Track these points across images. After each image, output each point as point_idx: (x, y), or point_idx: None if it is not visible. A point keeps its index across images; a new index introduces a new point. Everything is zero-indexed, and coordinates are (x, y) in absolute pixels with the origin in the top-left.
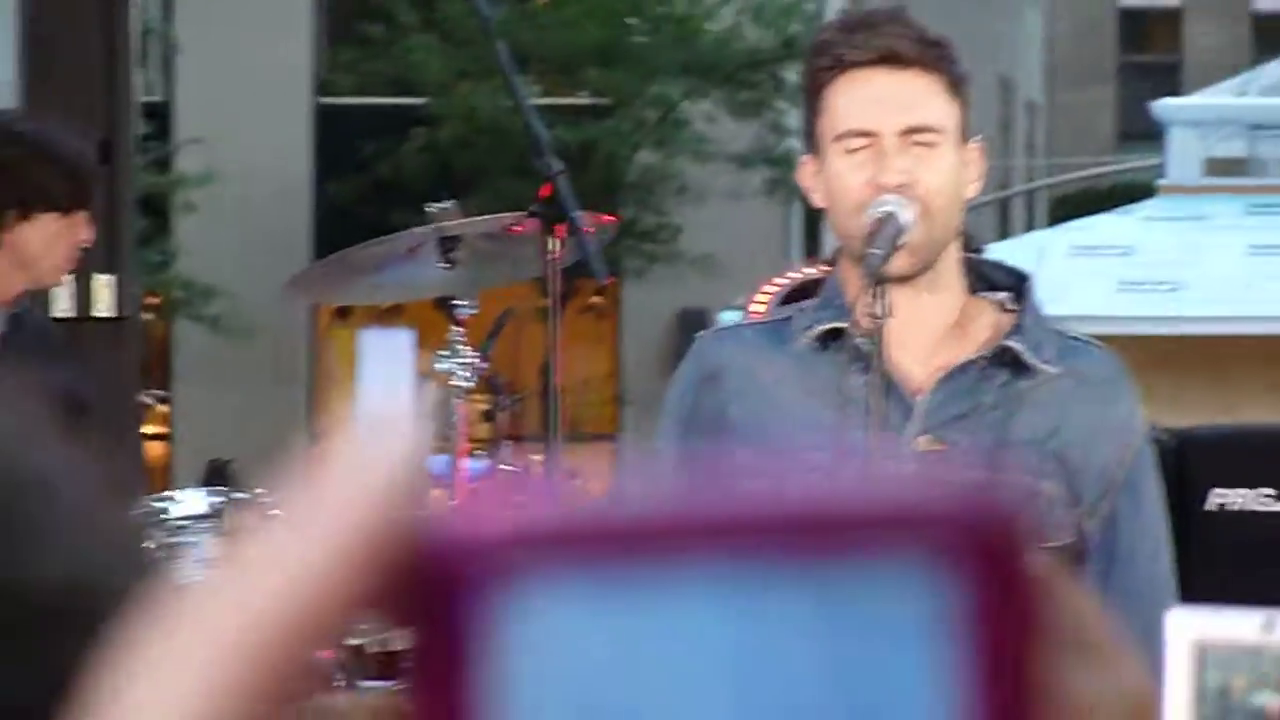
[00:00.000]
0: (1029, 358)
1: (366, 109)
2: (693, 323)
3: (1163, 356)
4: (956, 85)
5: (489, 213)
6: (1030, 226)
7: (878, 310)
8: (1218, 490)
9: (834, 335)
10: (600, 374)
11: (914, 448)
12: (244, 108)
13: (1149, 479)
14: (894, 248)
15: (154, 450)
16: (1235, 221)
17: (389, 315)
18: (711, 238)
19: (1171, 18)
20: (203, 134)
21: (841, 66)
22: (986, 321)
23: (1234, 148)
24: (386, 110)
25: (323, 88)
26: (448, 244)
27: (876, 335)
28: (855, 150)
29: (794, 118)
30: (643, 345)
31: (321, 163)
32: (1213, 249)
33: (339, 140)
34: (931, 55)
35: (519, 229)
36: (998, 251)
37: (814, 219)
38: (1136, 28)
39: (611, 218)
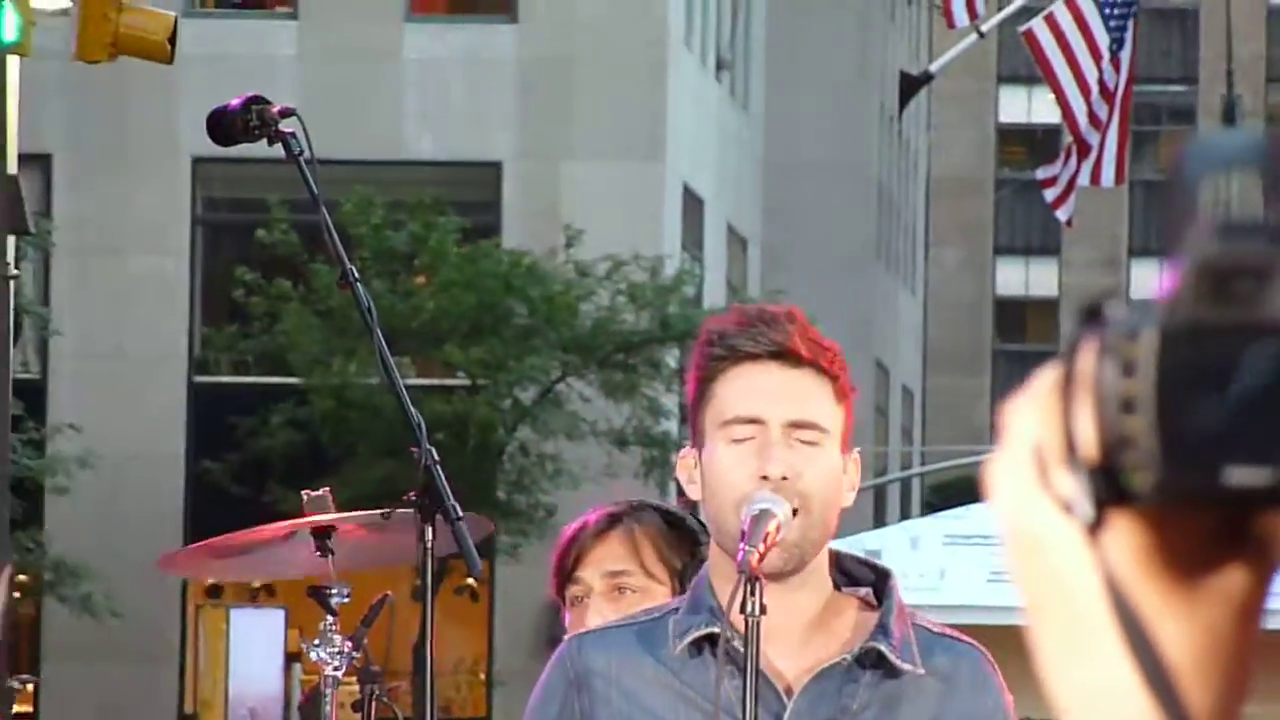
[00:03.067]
0: (894, 659)
1: (241, 387)
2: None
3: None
4: (844, 392)
5: (359, 492)
6: (905, 514)
7: (751, 608)
8: None
9: (706, 639)
10: (473, 656)
11: None
12: (120, 388)
13: None
14: (769, 545)
15: None
16: None
17: (261, 596)
18: None
19: (1047, 307)
20: (77, 414)
21: (735, 358)
22: (850, 618)
23: None
24: (260, 389)
25: (199, 367)
26: (322, 532)
27: (751, 634)
28: (740, 441)
29: (669, 400)
30: (515, 626)
31: (195, 441)
32: None
33: (213, 418)
34: (825, 358)
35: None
36: (872, 540)
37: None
38: (1012, 316)
39: (489, 522)
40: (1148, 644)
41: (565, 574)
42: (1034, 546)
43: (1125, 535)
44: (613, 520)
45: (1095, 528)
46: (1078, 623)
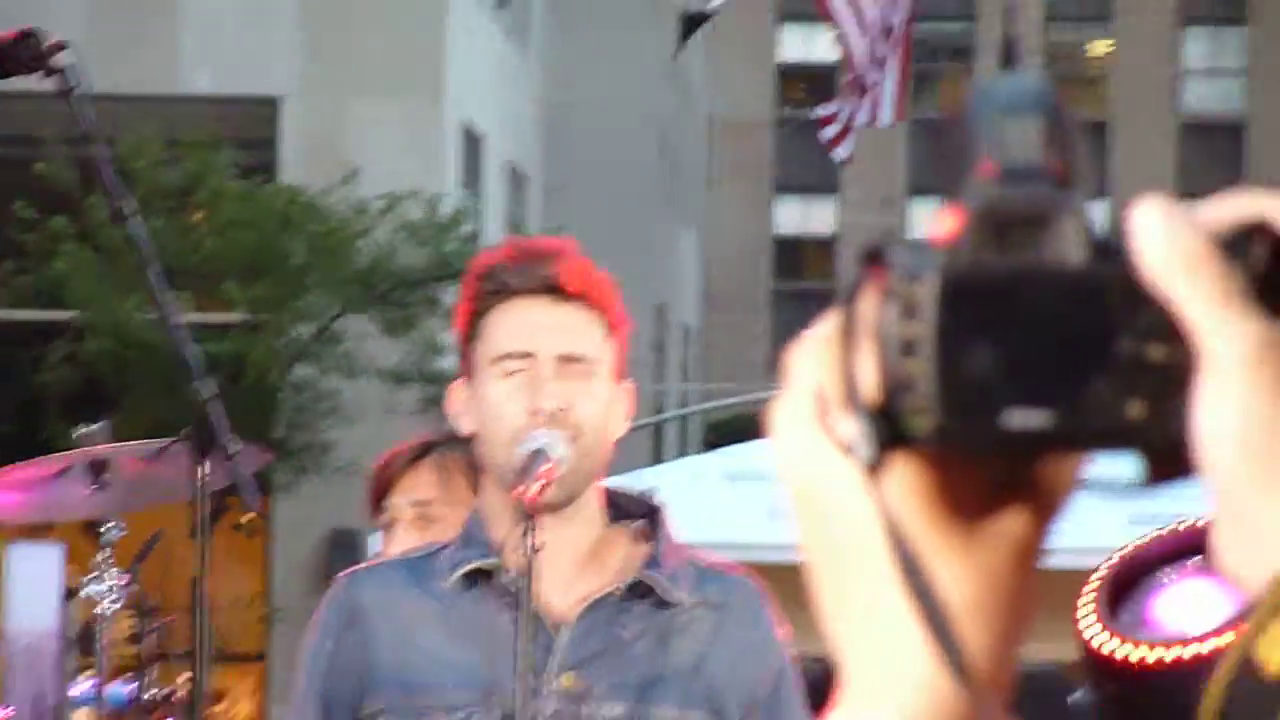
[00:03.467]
0: (665, 590)
1: (16, 323)
2: (344, 542)
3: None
4: (615, 325)
5: (137, 429)
6: (684, 452)
7: (528, 544)
8: None
9: (478, 573)
10: (250, 592)
11: (557, 686)
12: None
13: (792, 701)
14: (546, 483)
15: None
16: None
17: (37, 531)
18: (365, 455)
19: (825, 246)
20: None
21: (505, 293)
22: (622, 552)
23: None
24: (37, 325)
25: None
26: (97, 467)
27: (527, 572)
28: (512, 374)
29: (447, 337)
30: (293, 562)
31: None
32: None
33: None
34: (595, 292)
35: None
36: (651, 477)
37: None
38: (791, 255)
39: (267, 451)
40: (925, 585)
41: (377, 500)
42: (812, 488)
43: (905, 477)
44: (425, 449)
45: (875, 469)
46: (856, 565)
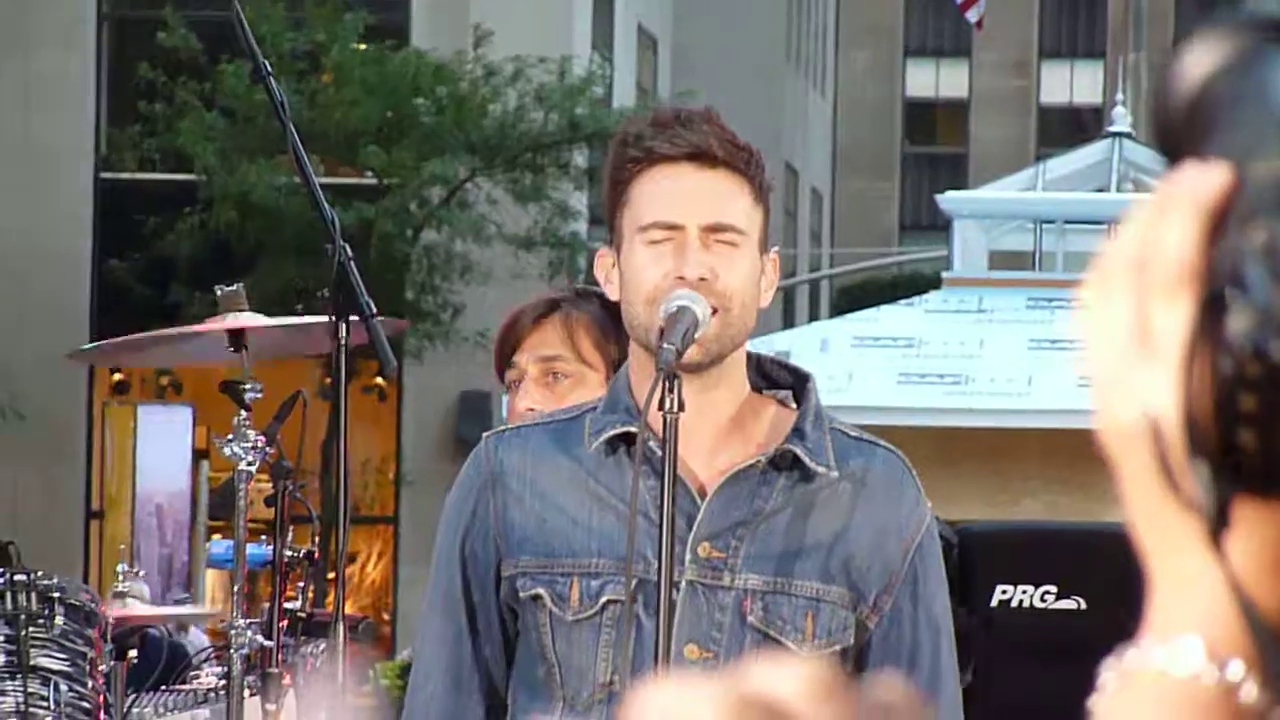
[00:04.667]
0: (809, 462)
1: (148, 185)
2: (474, 405)
3: (943, 449)
4: (761, 192)
5: (267, 291)
6: (814, 316)
7: (669, 405)
8: (1002, 587)
9: (622, 438)
10: (380, 455)
11: (696, 555)
12: (24, 183)
13: (932, 575)
14: (688, 342)
15: None
16: (1017, 315)
17: (169, 392)
18: (493, 319)
19: (958, 110)
20: None
21: (650, 160)
22: (767, 421)
23: (1019, 241)
24: (168, 187)
25: (105, 164)
26: (236, 336)
27: (669, 433)
28: (658, 242)
29: (578, 201)
30: (423, 427)
31: (102, 239)
32: (994, 343)
33: (120, 216)
34: (741, 158)
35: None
36: (782, 341)
37: None
38: (922, 119)
39: (402, 321)
40: (1257, 620)
41: (504, 357)
42: (1131, 442)
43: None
44: (551, 306)
45: (1218, 529)
46: (1172, 527)
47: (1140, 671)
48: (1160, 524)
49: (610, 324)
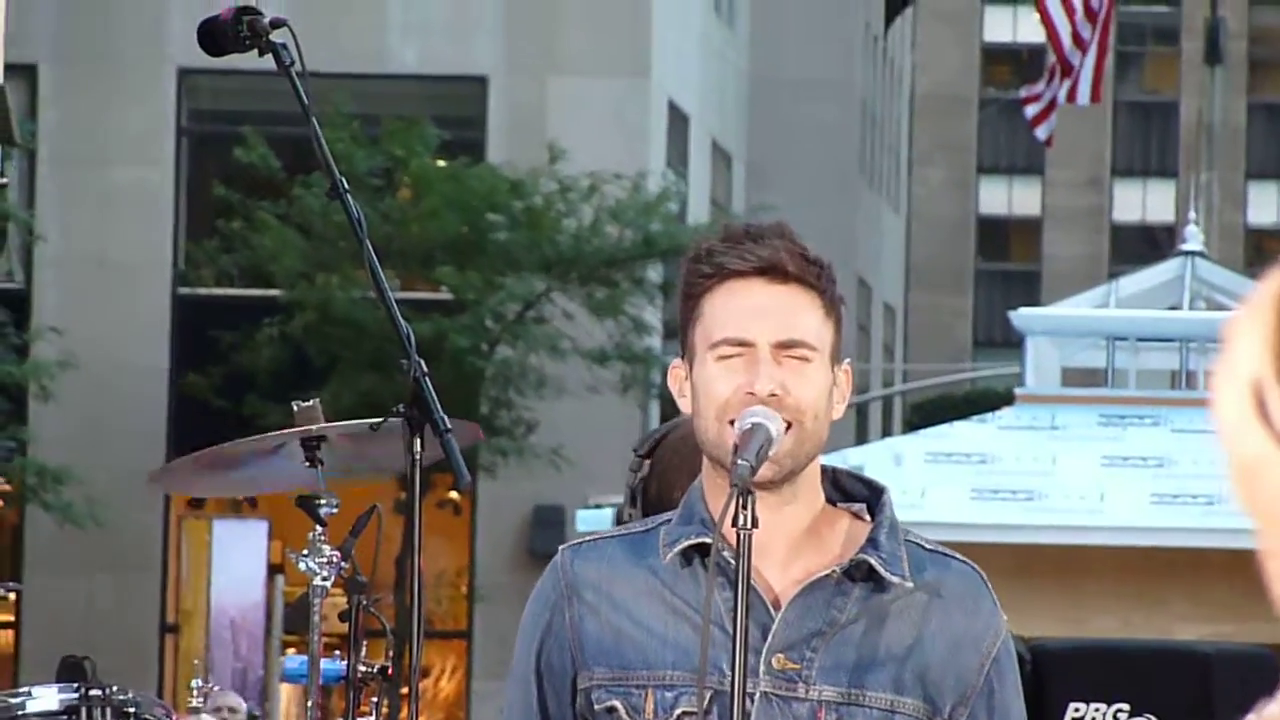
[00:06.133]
0: (884, 571)
1: (225, 300)
2: (548, 519)
3: (1016, 565)
4: (833, 305)
5: (343, 406)
6: (887, 431)
7: (744, 521)
8: (1074, 705)
9: (696, 549)
10: (454, 569)
11: (771, 666)
12: (104, 297)
13: (1008, 688)
14: (762, 458)
15: (1, 640)
16: (1090, 432)
17: (244, 506)
18: (567, 434)
19: (1031, 226)
20: (61, 322)
21: (722, 275)
22: (842, 532)
23: (1091, 358)
24: (244, 302)
25: (183, 279)
26: (312, 443)
27: (743, 547)
28: (729, 358)
29: (652, 316)
30: (497, 541)
31: (179, 353)
32: (1067, 459)
33: (197, 331)
34: (812, 273)
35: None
36: (855, 456)
37: (669, 417)
38: (996, 235)
39: (477, 427)
40: None
41: None
42: (1254, 471)
43: None
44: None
45: None
46: None
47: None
48: None
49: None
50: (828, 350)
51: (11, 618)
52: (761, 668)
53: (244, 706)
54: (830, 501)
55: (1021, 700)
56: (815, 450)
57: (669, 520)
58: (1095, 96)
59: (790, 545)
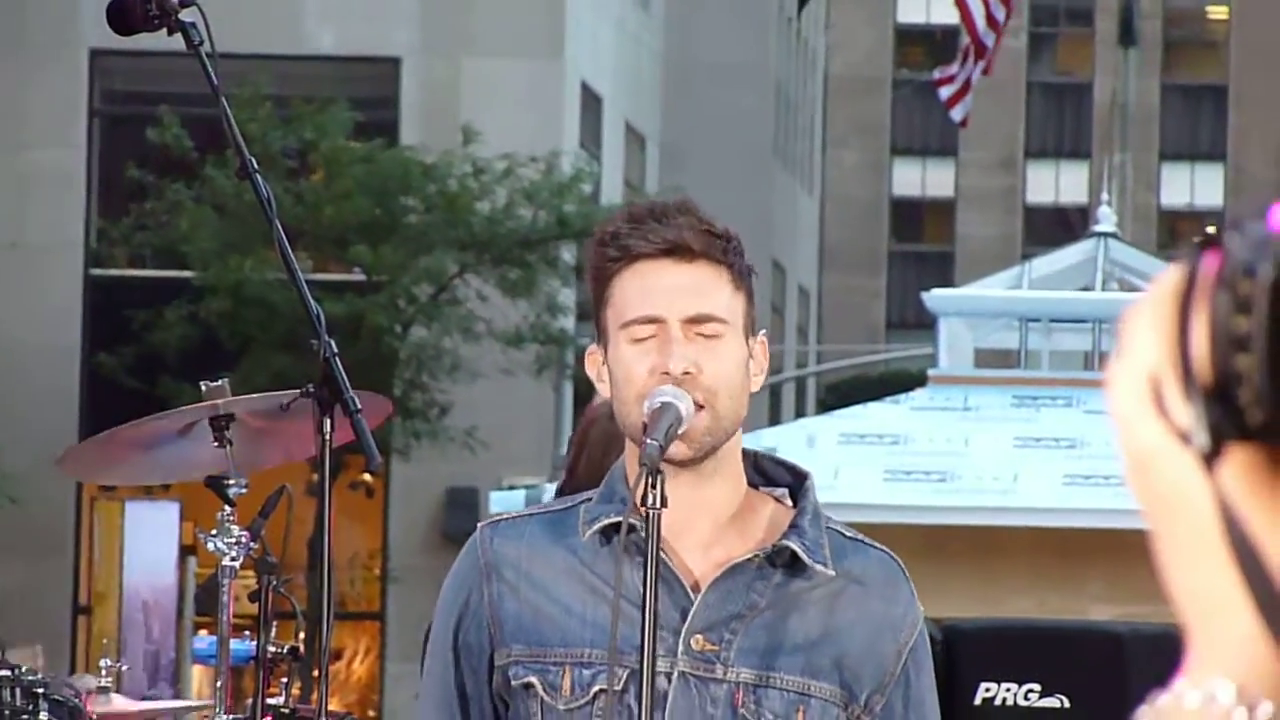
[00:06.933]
0: (807, 559)
1: (137, 281)
2: (461, 501)
3: (930, 546)
4: (742, 278)
5: (255, 386)
6: (800, 413)
7: (652, 500)
8: (985, 685)
9: (616, 529)
10: (367, 551)
11: (690, 646)
12: (17, 278)
13: (924, 675)
14: (670, 437)
15: None
16: (1003, 413)
17: (156, 490)
18: (481, 416)
19: (945, 208)
20: None
21: (629, 257)
22: (765, 517)
23: (1004, 339)
24: (157, 282)
25: (95, 259)
26: (221, 422)
27: (652, 527)
28: (641, 340)
29: (566, 297)
30: (410, 522)
31: (92, 333)
32: (980, 440)
33: (110, 311)
34: (718, 247)
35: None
36: (769, 437)
37: (584, 399)
38: (910, 216)
39: (388, 402)
40: (1258, 565)
41: None
42: (1148, 462)
43: (1238, 464)
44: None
45: (1209, 457)
46: (1189, 538)
47: (1174, 712)
48: (1194, 577)
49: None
50: (740, 323)
51: None
52: (680, 648)
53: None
54: (753, 485)
55: (935, 689)
56: (733, 426)
57: (590, 499)
58: (986, 70)
59: (713, 528)
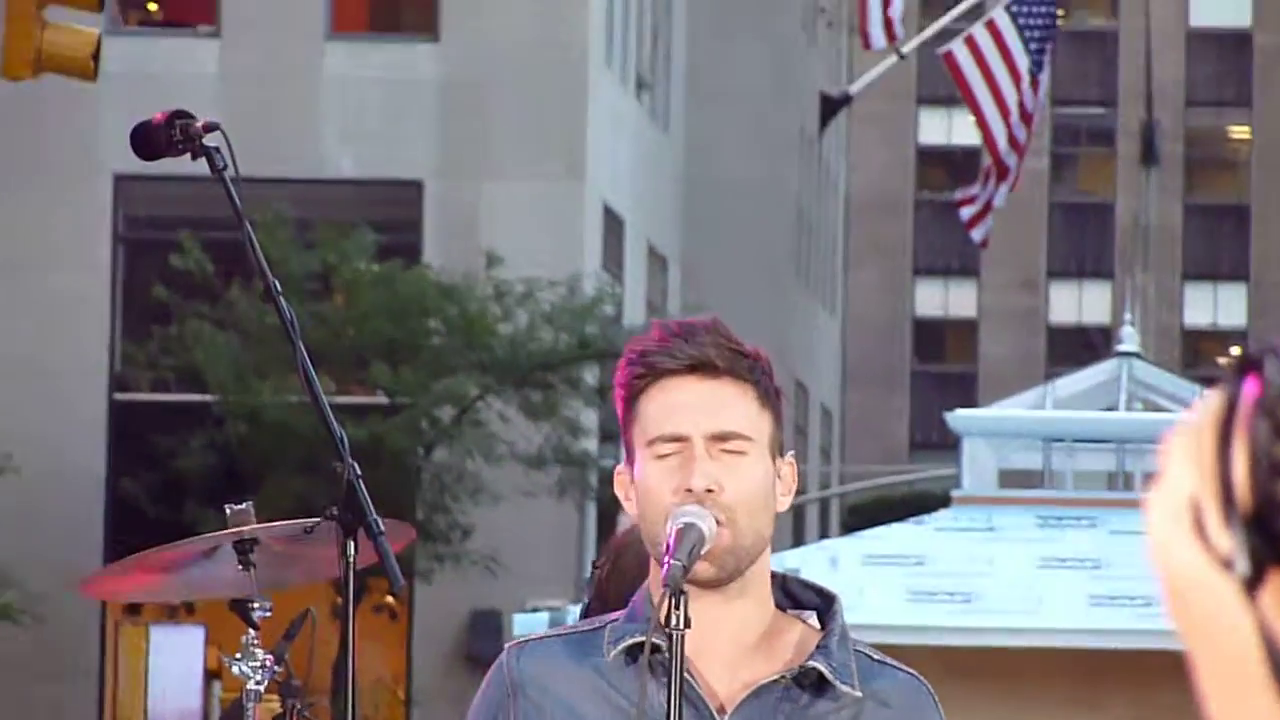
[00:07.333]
0: (834, 680)
1: (160, 405)
2: (484, 624)
3: (954, 667)
4: (768, 397)
5: (277, 509)
6: (824, 533)
7: (675, 621)
8: None
9: (641, 648)
10: (391, 674)
11: None
12: (41, 401)
13: None
14: (694, 558)
15: None
16: (1026, 533)
17: (181, 611)
18: (503, 538)
19: (967, 327)
20: None
21: (655, 375)
22: (793, 639)
23: (1028, 460)
24: (180, 406)
25: (119, 383)
26: (244, 546)
27: (676, 648)
28: (665, 456)
29: (588, 418)
30: (433, 645)
31: (116, 457)
32: (1004, 560)
33: (133, 435)
34: (744, 365)
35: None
36: (791, 558)
37: (607, 520)
38: (932, 336)
39: (411, 528)
40: None
41: None
42: (1187, 591)
43: None
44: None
45: (1253, 585)
46: (1231, 667)
47: None
48: (1236, 708)
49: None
50: (765, 441)
51: None
52: None
53: None
54: (780, 608)
55: None
56: (757, 546)
57: (616, 619)
58: (1014, 186)
59: (739, 649)
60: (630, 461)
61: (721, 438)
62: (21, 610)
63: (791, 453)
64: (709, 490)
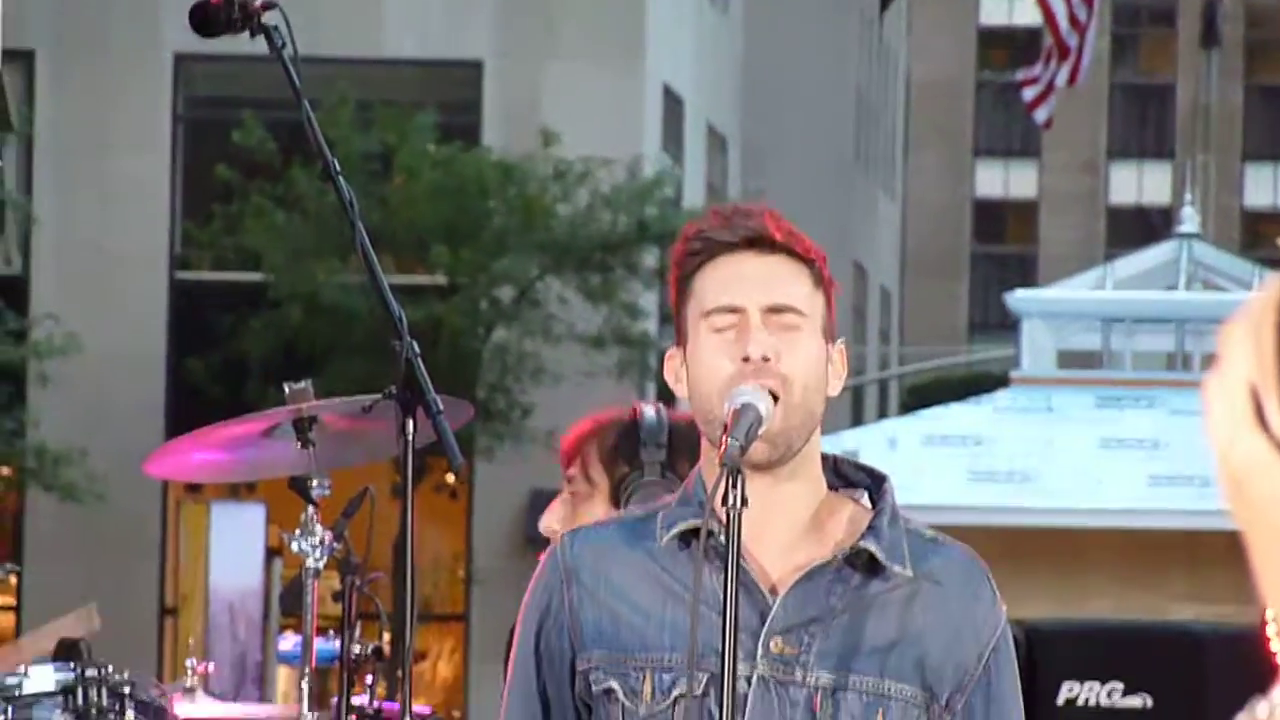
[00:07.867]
0: (885, 561)
1: (221, 285)
2: (544, 503)
3: (1013, 547)
4: (821, 281)
5: (336, 390)
6: (883, 414)
7: (733, 500)
8: (1069, 684)
9: (694, 532)
10: (450, 553)
11: (769, 649)
12: (102, 283)
13: (1006, 675)
14: (751, 438)
15: (2, 622)
16: (1086, 414)
17: (242, 490)
18: (563, 418)
19: (1027, 210)
20: (59, 307)
21: (711, 251)
22: (843, 520)
23: (1087, 340)
24: (242, 286)
25: (180, 264)
26: (304, 424)
27: (732, 528)
28: (722, 329)
29: (647, 300)
30: (493, 525)
31: (176, 337)
32: (1064, 441)
33: (194, 316)
34: (799, 245)
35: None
36: (850, 439)
37: (665, 401)
38: (992, 218)
39: (470, 405)
40: None
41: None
42: (1245, 476)
43: None
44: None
45: None
46: None
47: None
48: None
49: (630, 445)
50: (819, 320)
51: (13, 601)
52: (759, 652)
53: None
54: (832, 489)
55: (1019, 692)
56: (809, 424)
57: (669, 504)
58: (1072, 79)
59: (791, 530)
60: (681, 343)
61: (777, 309)
62: (85, 490)
63: (843, 340)
64: (765, 359)
